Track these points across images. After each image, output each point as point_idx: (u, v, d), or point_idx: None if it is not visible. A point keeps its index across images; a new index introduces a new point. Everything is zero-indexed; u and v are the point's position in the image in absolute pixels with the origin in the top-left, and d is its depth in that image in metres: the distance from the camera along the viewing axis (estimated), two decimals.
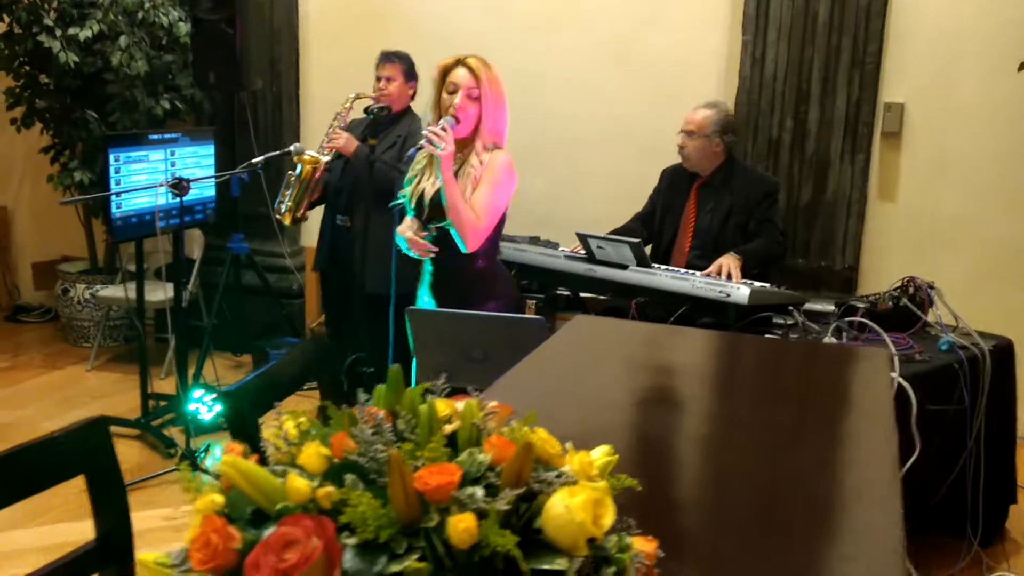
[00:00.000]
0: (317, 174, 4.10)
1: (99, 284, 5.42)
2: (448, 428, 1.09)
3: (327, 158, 4.11)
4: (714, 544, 1.38)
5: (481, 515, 0.93)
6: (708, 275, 3.53)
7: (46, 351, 5.47)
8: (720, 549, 1.36)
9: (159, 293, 4.89)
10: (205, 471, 4.05)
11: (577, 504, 0.94)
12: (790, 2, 4.38)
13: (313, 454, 0.97)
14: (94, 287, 5.41)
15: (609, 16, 4.79)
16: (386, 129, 4.13)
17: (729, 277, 3.51)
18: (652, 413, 1.97)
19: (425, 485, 0.92)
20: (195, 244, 5.20)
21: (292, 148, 4.25)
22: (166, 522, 3.47)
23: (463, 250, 2.92)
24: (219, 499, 1.00)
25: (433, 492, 0.92)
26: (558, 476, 0.99)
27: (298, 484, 0.93)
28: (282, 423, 1.06)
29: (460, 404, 1.14)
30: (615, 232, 3.99)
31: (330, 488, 0.93)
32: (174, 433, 4.13)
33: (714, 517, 1.49)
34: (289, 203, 4.11)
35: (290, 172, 4.12)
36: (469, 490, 0.97)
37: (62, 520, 3.33)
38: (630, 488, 1.09)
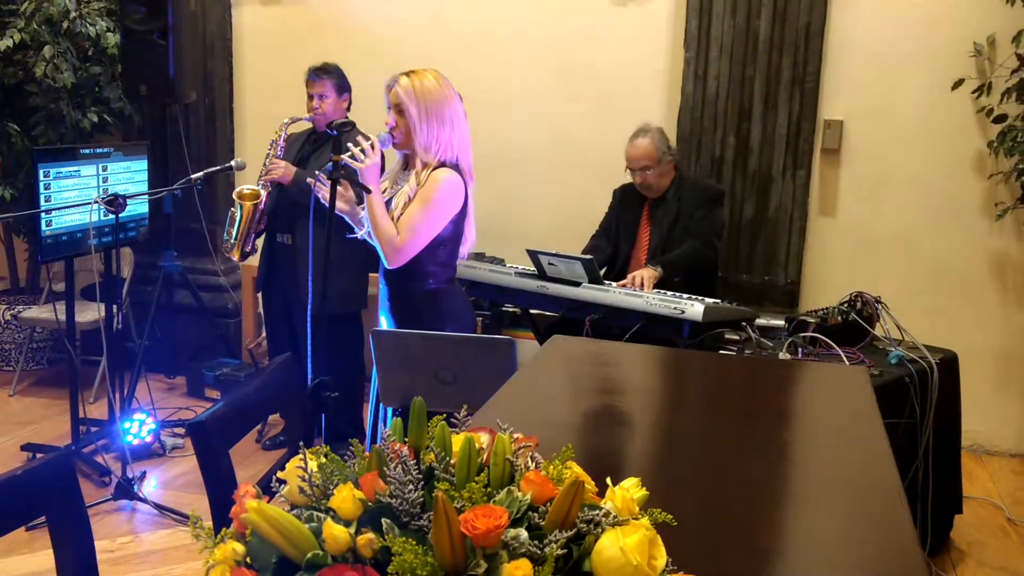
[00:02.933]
0: (260, 206, 3.99)
1: (21, 305, 5.18)
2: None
3: (267, 190, 4.00)
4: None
5: (533, 560, 0.87)
6: (624, 286, 3.58)
7: None
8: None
9: (89, 314, 4.70)
10: (143, 500, 3.84)
11: (632, 545, 0.89)
12: (731, 21, 4.43)
13: (348, 497, 0.90)
14: (15, 308, 5.16)
15: (552, 33, 4.78)
16: (324, 144, 4.05)
17: (642, 287, 3.56)
18: (665, 437, 1.94)
19: (473, 529, 0.86)
20: (124, 262, 5.01)
21: (233, 163, 4.14)
22: (104, 555, 3.30)
23: (385, 262, 2.86)
24: (239, 548, 0.92)
25: (482, 537, 0.87)
26: (605, 515, 0.94)
27: (336, 532, 0.86)
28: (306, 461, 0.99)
29: (485, 437, 1.08)
30: (583, 252, 3.99)
31: (371, 535, 0.87)
32: (108, 460, 3.95)
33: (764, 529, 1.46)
34: (236, 240, 3.99)
35: (232, 210, 3.99)
36: (513, 532, 0.92)
37: None
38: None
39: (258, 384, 2.00)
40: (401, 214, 2.81)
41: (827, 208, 4.54)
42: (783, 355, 3.21)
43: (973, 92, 4.21)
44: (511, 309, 4.50)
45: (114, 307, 4.07)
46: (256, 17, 5.24)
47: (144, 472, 3.92)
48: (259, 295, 4.60)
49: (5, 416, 4.63)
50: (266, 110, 5.20)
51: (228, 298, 5.26)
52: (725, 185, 4.50)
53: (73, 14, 4.77)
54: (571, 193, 4.80)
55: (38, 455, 3.88)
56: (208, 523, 1.10)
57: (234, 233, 3.99)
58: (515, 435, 1.07)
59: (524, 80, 4.85)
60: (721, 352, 3.32)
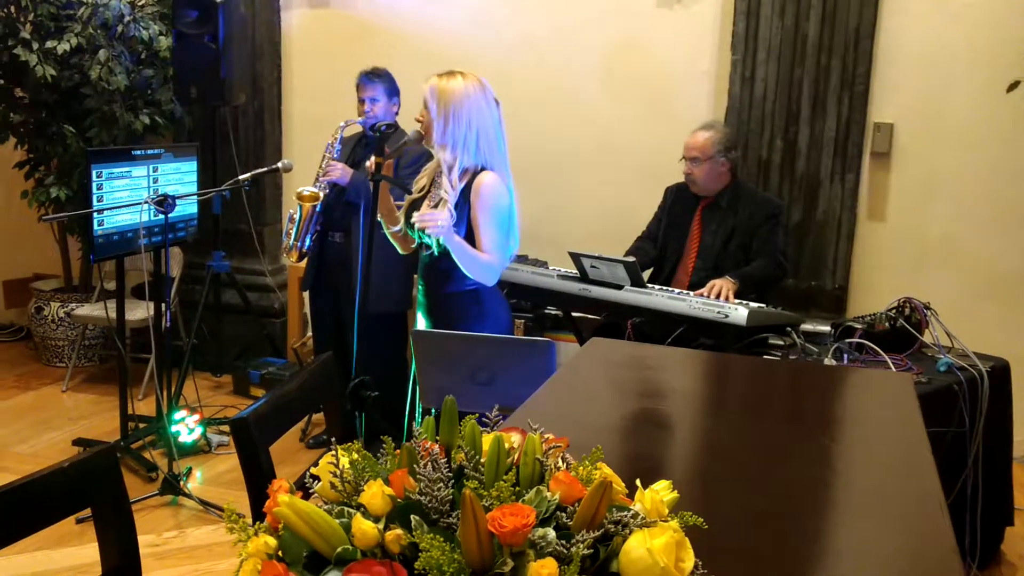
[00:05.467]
0: (318, 208, 4.06)
1: (74, 303, 5.29)
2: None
3: (325, 191, 4.05)
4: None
5: (560, 559, 0.87)
6: (701, 295, 3.52)
7: (18, 371, 5.33)
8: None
9: (139, 312, 4.79)
10: (188, 495, 3.91)
11: (659, 547, 0.89)
12: (780, 22, 4.39)
13: (377, 494, 0.91)
14: (69, 306, 5.27)
15: (598, 35, 4.77)
16: (375, 148, 4.08)
17: (725, 299, 3.49)
18: (706, 441, 1.93)
19: (500, 528, 0.87)
20: (174, 262, 5.10)
21: (280, 164, 4.20)
22: (150, 549, 3.36)
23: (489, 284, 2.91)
24: (271, 542, 0.93)
25: (509, 535, 0.87)
26: (633, 516, 0.94)
27: (365, 527, 0.87)
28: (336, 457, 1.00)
29: (516, 436, 1.08)
30: (626, 254, 3.96)
31: (399, 531, 0.87)
32: (155, 456, 4.02)
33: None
34: (295, 241, 4.06)
35: (292, 212, 4.06)
36: (540, 531, 0.92)
37: (42, 547, 3.21)
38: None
39: (299, 382, 2.02)
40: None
41: (876, 212, 4.47)
42: (828, 361, 3.17)
43: None
44: (553, 312, 4.50)
45: (163, 306, 4.14)
46: (304, 21, 5.31)
47: (190, 468, 3.98)
48: (305, 294, 4.66)
49: (58, 411, 4.74)
50: (313, 112, 5.27)
51: (274, 298, 5.33)
52: (772, 189, 4.46)
53: (127, 18, 4.87)
54: (615, 196, 4.78)
55: (89, 450, 3.96)
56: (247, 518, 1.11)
57: (293, 234, 4.06)
58: (545, 435, 1.07)
59: (569, 82, 4.85)
60: (764, 357, 3.28)
